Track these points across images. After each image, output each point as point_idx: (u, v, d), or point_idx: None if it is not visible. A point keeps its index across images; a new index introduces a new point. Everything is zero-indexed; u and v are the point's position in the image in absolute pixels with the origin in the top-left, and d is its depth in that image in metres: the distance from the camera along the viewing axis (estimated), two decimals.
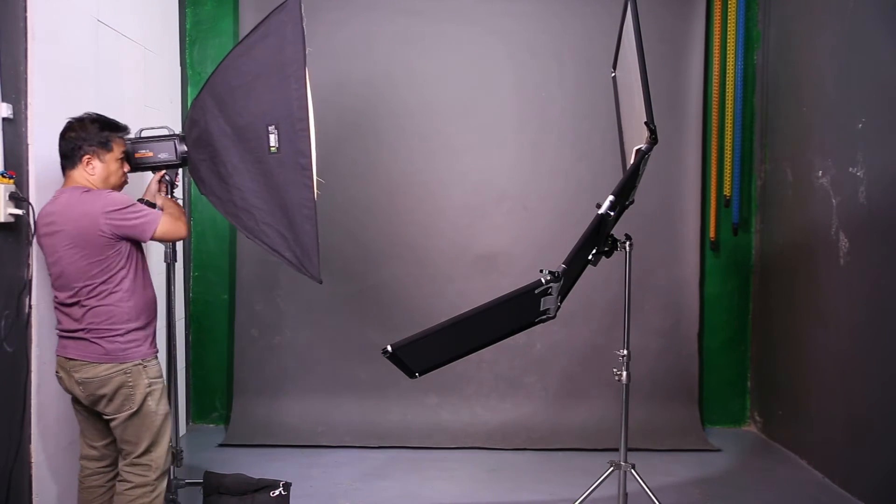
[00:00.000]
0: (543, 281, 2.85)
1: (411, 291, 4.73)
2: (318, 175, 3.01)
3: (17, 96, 2.82)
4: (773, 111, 4.70)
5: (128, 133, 2.92)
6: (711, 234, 4.83)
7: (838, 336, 3.91)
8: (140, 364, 2.72)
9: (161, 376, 2.82)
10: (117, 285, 2.68)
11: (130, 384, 2.70)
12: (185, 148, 3.07)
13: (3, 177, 2.68)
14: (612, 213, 2.87)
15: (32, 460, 2.91)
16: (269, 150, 2.92)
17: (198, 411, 4.84)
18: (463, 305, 4.71)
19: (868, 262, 3.66)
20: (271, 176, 2.93)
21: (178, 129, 4.10)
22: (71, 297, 2.66)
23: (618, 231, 3.27)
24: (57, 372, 2.77)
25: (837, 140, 3.93)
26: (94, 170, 2.73)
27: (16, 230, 2.81)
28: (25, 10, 2.86)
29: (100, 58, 3.47)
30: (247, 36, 2.99)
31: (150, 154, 3.08)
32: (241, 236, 4.63)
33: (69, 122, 2.75)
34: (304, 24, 2.90)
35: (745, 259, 4.88)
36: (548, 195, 4.71)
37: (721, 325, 4.90)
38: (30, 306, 2.87)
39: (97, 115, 2.81)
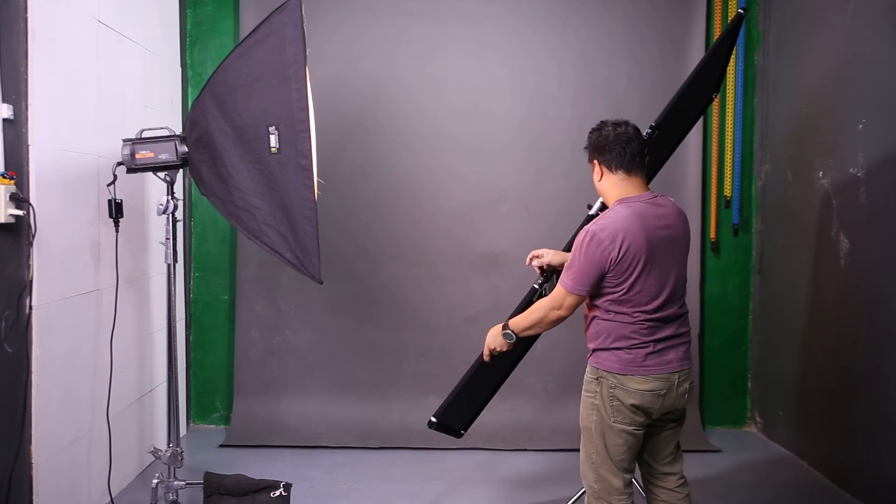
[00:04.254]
0: (537, 286, 2.87)
1: (412, 292, 4.73)
2: (318, 176, 3.01)
3: (18, 97, 2.82)
4: (773, 111, 4.70)
5: None
6: (712, 234, 4.83)
7: (838, 336, 3.91)
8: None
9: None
10: None
11: None
12: (186, 149, 3.07)
13: (4, 177, 2.68)
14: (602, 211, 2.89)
15: (32, 461, 2.91)
16: (270, 150, 2.92)
17: (198, 412, 4.84)
18: (464, 305, 4.76)
19: (868, 262, 3.66)
20: (272, 177, 2.94)
21: (178, 130, 4.13)
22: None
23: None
24: (662, 391, 2.56)
25: (838, 140, 3.93)
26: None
27: (16, 231, 2.81)
28: (25, 11, 2.86)
29: (100, 58, 3.47)
30: (247, 37, 2.99)
31: (151, 155, 3.08)
32: (241, 237, 4.63)
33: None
34: (304, 24, 2.91)
35: (746, 260, 4.88)
36: (548, 196, 4.71)
37: (721, 325, 4.90)
38: (30, 307, 2.87)
39: None
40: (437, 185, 4.73)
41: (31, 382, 2.89)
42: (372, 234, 4.71)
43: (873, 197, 3.62)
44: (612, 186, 2.61)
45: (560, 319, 2.63)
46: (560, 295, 2.59)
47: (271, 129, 2.91)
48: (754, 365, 4.89)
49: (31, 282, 2.87)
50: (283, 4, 2.91)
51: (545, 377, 4.73)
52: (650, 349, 2.55)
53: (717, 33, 4.78)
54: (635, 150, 2.60)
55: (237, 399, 4.69)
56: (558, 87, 4.71)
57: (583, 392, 2.67)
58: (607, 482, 2.59)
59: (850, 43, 3.85)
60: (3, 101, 2.73)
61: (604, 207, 2.89)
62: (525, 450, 4.47)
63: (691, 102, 3.34)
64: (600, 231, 2.49)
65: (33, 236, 2.85)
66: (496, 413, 4.70)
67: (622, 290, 2.52)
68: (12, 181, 2.72)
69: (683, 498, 2.75)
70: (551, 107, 4.71)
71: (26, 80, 2.87)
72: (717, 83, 3.53)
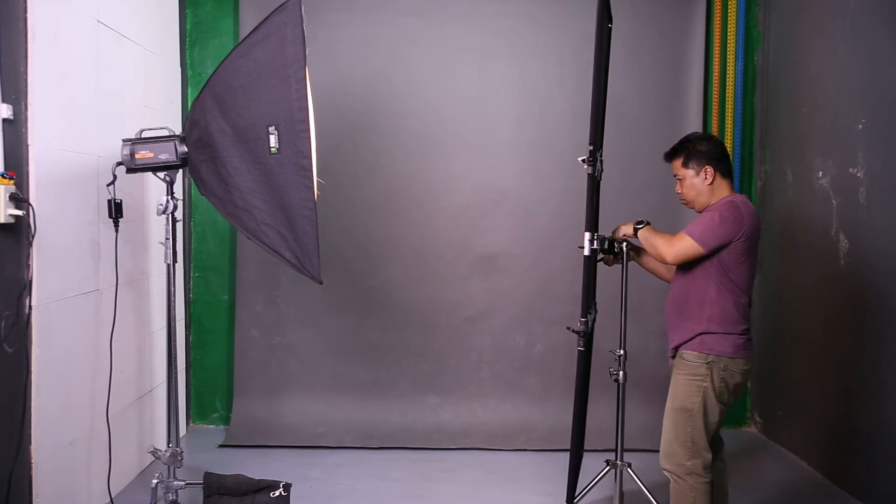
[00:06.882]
0: (581, 348, 3.10)
1: (412, 292, 4.73)
2: (318, 176, 3.01)
3: (17, 97, 2.81)
4: (773, 112, 4.70)
5: None
6: None
7: (838, 336, 3.91)
8: None
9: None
10: None
11: None
12: (186, 149, 3.07)
13: (4, 178, 2.68)
14: (595, 249, 3.01)
15: (32, 461, 2.91)
16: (270, 150, 2.92)
17: (198, 412, 4.84)
18: (463, 305, 4.76)
19: (868, 262, 3.66)
20: (271, 177, 2.94)
21: (178, 130, 4.13)
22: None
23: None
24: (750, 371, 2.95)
25: (837, 140, 3.93)
26: None
27: (16, 231, 2.81)
28: (25, 11, 2.85)
29: (100, 58, 3.47)
30: (247, 37, 2.99)
31: (151, 155, 3.08)
32: (241, 237, 4.63)
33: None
34: (304, 24, 2.91)
35: None
36: (548, 196, 4.72)
37: None
38: (30, 307, 2.87)
39: None
40: (437, 185, 4.73)
41: (31, 382, 2.88)
42: (372, 234, 4.71)
43: (873, 197, 3.62)
44: (720, 188, 2.96)
45: (661, 260, 2.94)
46: (682, 240, 2.84)
47: (271, 129, 2.91)
48: (754, 365, 4.88)
49: (30, 282, 2.87)
50: (283, 4, 2.91)
51: (545, 377, 4.73)
52: (749, 334, 2.91)
53: (717, 33, 4.78)
54: None
55: (237, 399, 4.69)
56: (558, 87, 4.71)
57: (683, 376, 2.91)
58: (702, 457, 2.86)
59: (850, 43, 3.85)
60: (3, 101, 2.73)
61: (592, 240, 3.01)
62: (525, 450, 4.47)
63: (603, 72, 3.32)
64: (742, 205, 2.84)
65: (33, 236, 2.84)
66: (496, 413, 4.71)
67: (740, 266, 2.84)
68: (12, 181, 2.71)
69: (725, 466, 3.14)
70: (551, 107, 4.71)
71: (26, 80, 2.87)
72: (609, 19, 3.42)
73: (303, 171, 2.90)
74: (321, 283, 2.99)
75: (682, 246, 2.84)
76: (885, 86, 3.54)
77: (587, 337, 3.09)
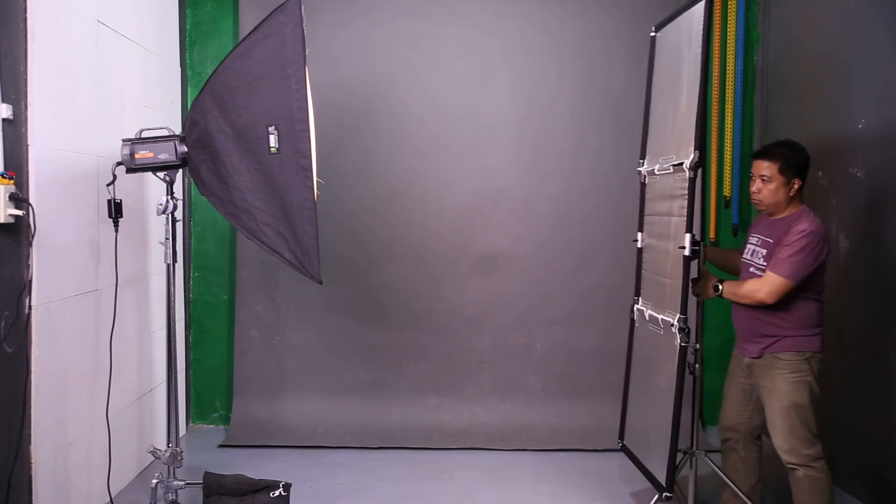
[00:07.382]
0: (692, 347, 3.27)
1: (411, 292, 4.73)
2: (318, 175, 3.02)
3: (17, 97, 2.82)
4: (773, 111, 4.70)
5: None
6: (711, 234, 4.83)
7: (838, 337, 3.91)
8: None
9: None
10: None
11: None
12: (186, 149, 3.07)
13: (3, 177, 2.68)
14: (696, 248, 3.12)
15: (32, 460, 2.91)
16: (269, 150, 2.92)
17: (198, 412, 4.84)
18: (463, 306, 4.76)
19: (868, 262, 3.66)
20: (271, 176, 2.94)
21: (178, 130, 4.13)
22: None
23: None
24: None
25: (837, 140, 3.93)
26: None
27: (16, 231, 2.81)
28: (25, 11, 2.86)
29: (100, 58, 3.47)
30: (247, 37, 2.99)
31: (151, 155, 3.08)
32: (241, 237, 4.64)
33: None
34: (304, 24, 2.91)
35: None
36: (548, 196, 4.71)
37: (721, 325, 4.88)
38: (29, 307, 2.87)
39: None
40: (437, 185, 4.73)
41: (30, 382, 2.89)
42: (372, 234, 4.71)
43: (873, 197, 3.62)
44: (795, 201, 3.12)
45: (761, 303, 3.05)
46: (775, 281, 3.00)
47: (271, 128, 2.91)
48: None
49: (30, 282, 2.87)
50: (283, 4, 2.91)
51: (545, 377, 4.73)
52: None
53: (716, 33, 4.78)
54: None
55: (237, 399, 4.69)
56: (558, 87, 4.71)
57: (785, 375, 3.09)
58: (819, 443, 3.07)
59: (850, 43, 3.85)
60: (3, 101, 2.73)
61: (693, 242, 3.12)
62: (525, 450, 4.47)
63: None
64: (820, 232, 3.02)
65: (33, 236, 2.85)
66: (496, 414, 4.71)
67: (818, 276, 3.07)
68: (12, 181, 2.72)
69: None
70: (551, 107, 4.71)
71: (26, 80, 2.87)
72: None
73: (302, 171, 2.91)
74: (321, 282, 2.99)
75: (775, 287, 3.00)
76: (885, 86, 3.53)
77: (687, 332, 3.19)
